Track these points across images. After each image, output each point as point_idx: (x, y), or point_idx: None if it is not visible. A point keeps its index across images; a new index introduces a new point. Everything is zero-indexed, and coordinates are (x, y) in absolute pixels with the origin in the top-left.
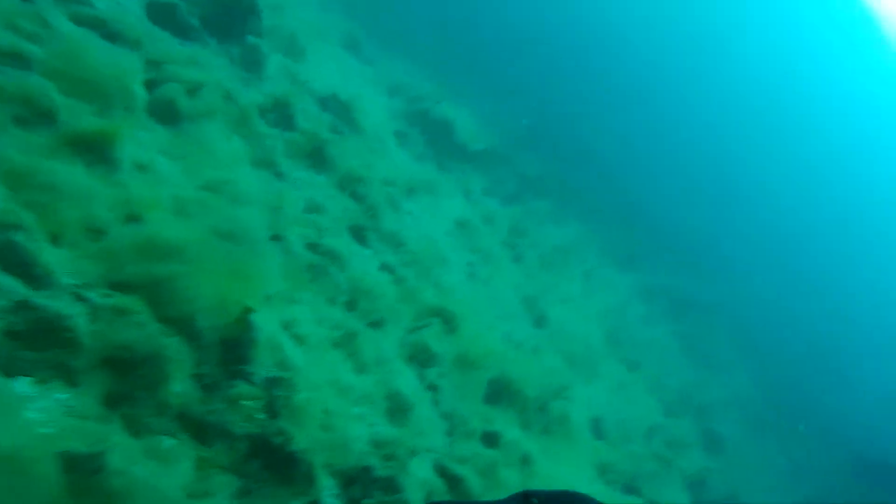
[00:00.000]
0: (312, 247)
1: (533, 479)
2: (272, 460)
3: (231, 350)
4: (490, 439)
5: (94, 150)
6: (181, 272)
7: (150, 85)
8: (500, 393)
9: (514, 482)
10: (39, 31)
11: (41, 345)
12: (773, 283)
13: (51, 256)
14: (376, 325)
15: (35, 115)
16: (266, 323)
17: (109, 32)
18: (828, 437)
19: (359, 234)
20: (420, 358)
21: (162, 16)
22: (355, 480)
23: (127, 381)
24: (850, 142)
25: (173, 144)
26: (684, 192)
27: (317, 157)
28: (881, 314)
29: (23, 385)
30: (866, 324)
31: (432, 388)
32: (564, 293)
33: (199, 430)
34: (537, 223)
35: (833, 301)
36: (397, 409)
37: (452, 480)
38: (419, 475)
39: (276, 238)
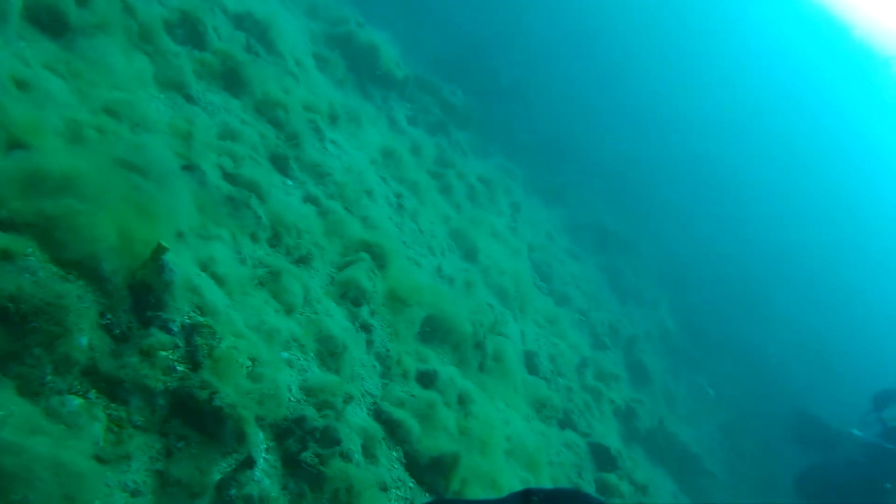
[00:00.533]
0: (229, 178)
1: (471, 420)
2: (197, 416)
3: (142, 295)
4: (426, 379)
5: None
6: (79, 208)
7: None
8: (434, 330)
9: (452, 424)
10: None
11: None
12: (696, 220)
13: None
14: (302, 261)
15: None
16: (181, 263)
17: None
18: (745, 370)
19: (280, 164)
20: (350, 296)
21: None
22: (289, 433)
23: (18, 337)
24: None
25: (62, 60)
26: (607, 128)
27: (231, 79)
28: (796, 252)
29: None
30: (781, 262)
31: (365, 327)
32: (492, 227)
33: (111, 386)
34: (462, 154)
35: (750, 242)
36: (329, 353)
37: (391, 425)
38: (356, 422)
39: (188, 168)
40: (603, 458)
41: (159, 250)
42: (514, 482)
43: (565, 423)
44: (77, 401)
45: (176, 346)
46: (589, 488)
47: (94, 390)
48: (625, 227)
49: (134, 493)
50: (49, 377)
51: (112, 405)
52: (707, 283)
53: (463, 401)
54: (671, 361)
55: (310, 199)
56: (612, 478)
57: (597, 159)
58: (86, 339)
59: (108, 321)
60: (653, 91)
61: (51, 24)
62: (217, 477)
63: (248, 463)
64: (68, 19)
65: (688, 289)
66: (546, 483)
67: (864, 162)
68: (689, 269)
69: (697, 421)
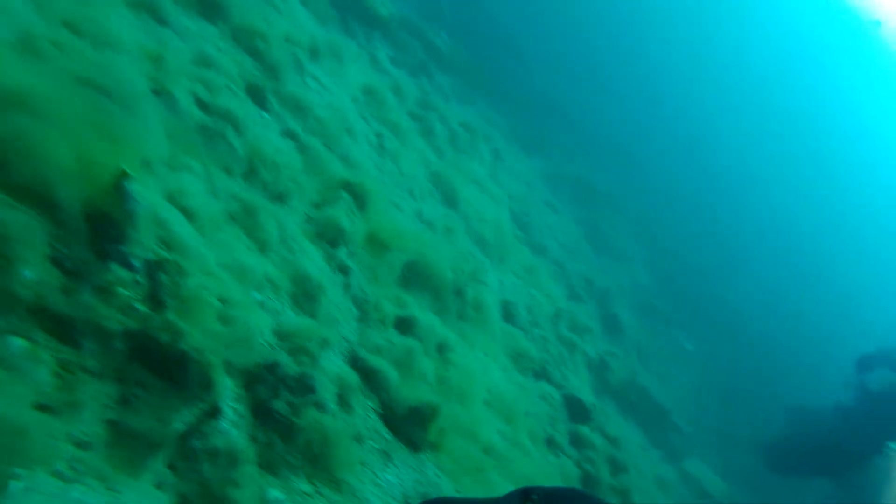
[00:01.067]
0: (203, 106)
1: (451, 369)
2: (158, 361)
3: (101, 226)
4: (405, 325)
5: None
6: (30, 127)
7: None
8: (414, 275)
9: (431, 373)
10: None
11: None
12: (673, 179)
13: None
14: (279, 198)
15: None
16: (147, 193)
17: None
18: (717, 328)
19: (258, 96)
20: (328, 236)
21: None
22: (260, 380)
23: None
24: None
25: None
26: (594, 88)
27: (208, 3)
28: (774, 215)
29: None
30: (759, 224)
31: (342, 269)
32: (473, 173)
33: (60, 327)
34: (444, 99)
35: (728, 202)
36: (304, 295)
37: (367, 373)
38: (332, 370)
39: (157, 93)
40: (577, 410)
41: (123, 177)
42: (492, 434)
43: (541, 374)
44: (19, 342)
45: (137, 283)
46: (563, 440)
47: (40, 331)
48: (603, 182)
49: (83, 446)
50: None
51: (61, 348)
52: (682, 241)
53: (442, 349)
54: (644, 316)
55: (288, 134)
56: (585, 430)
57: (581, 116)
58: (31, 272)
59: (60, 254)
60: (640, 51)
61: None
62: (179, 427)
63: (214, 412)
64: None
65: (663, 245)
66: (522, 434)
67: (845, 121)
68: (665, 227)
69: (668, 376)
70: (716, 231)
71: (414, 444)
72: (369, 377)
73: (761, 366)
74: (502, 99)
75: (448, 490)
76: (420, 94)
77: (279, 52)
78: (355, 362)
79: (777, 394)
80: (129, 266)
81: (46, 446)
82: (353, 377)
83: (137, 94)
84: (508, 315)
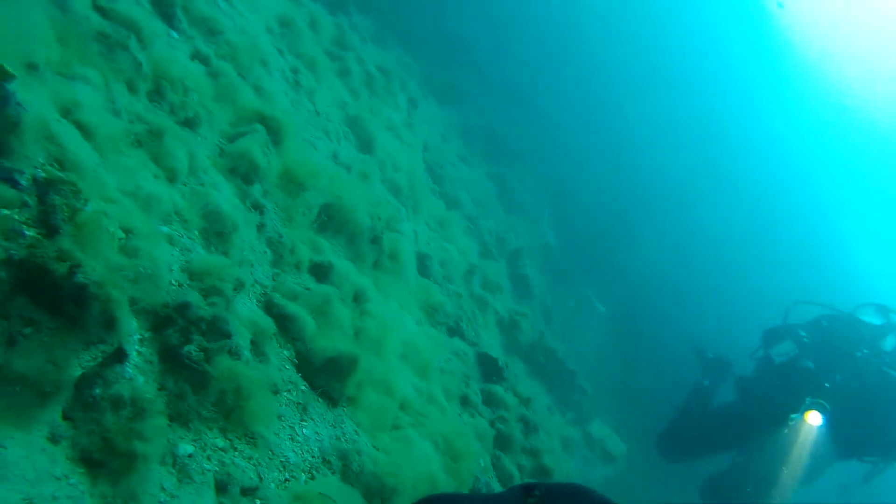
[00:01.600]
0: (101, 11)
1: (367, 319)
2: (51, 295)
3: None
4: (321, 272)
5: None
6: None
7: None
8: (329, 219)
9: (348, 323)
10: None
11: None
12: (579, 139)
13: None
14: (188, 124)
15: None
16: (35, 102)
17: None
18: (620, 290)
19: (165, 12)
20: (241, 171)
21: None
22: (169, 322)
23: None
24: None
25: None
26: (509, 36)
27: None
28: (670, 174)
29: None
30: (657, 184)
31: (257, 207)
32: (389, 120)
33: None
34: (361, 39)
35: (630, 167)
36: (216, 233)
37: (282, 320)
38: (245, 314)
39: None
40: (490, 368)
41: (3, 76)
42: (408, 389)
43: (454, 330)
44: None
45: (25, 205)
46: (476, 399)
47: None
48: (515, 135)
49: None
50: None
51: None
52: (587, 202)
53: (358, 298)
54: (552, 276)
55: (199, 58)
56: (498, 389)
57: (495, 64)
58: None
59: None
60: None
61: None
62: (77, 372)
63: (118, 356)
64: None
65: (573, 206)
66: (437, 390)
67: (743, 94)
68: (577, 187)
69: (573, 337)
70: (626, 195)
71: (331, 399)
72: (285, 324)
73: (665, 334)
74: (418, 43)
75: (366, 447)
76: (337, 32)
77: None
78: (270, 308)
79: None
80: (13, 183)
81: None
82: (268, 323)
83: None
84: (423, 268)
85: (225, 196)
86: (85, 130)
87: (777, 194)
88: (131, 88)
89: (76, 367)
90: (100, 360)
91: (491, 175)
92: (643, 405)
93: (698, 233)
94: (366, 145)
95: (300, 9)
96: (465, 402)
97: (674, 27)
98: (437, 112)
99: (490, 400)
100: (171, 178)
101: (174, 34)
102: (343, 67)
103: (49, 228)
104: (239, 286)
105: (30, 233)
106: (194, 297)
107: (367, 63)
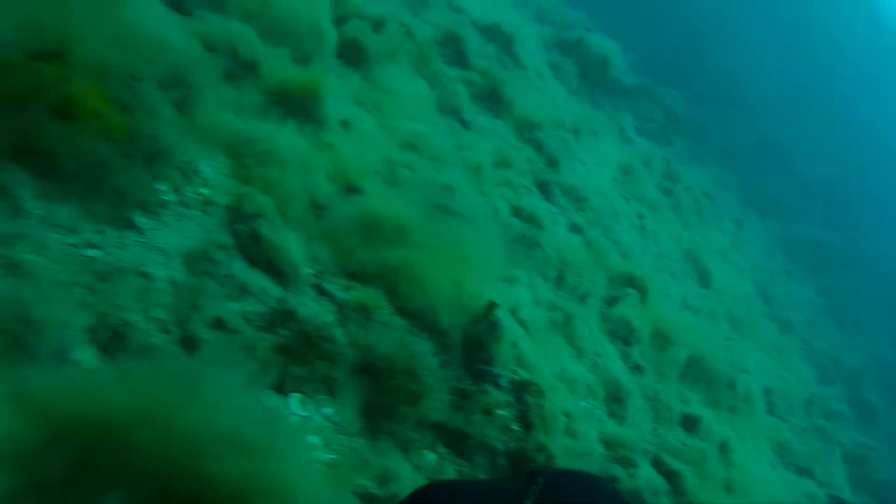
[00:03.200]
0: (516, 212)
1: (733, 471)
2: None
3: (473, 349)
4: (690, 423)
5: (301, 105)
6: (414, 259)
7: (338, 22)
8: (692, 370)
9: (720, 475)
10: None
11: (306, 357)
12: None
13: (290, 243)
14: (582, 300)
15: (240, 66)
16: (504, 316)
17: None
18: None
19: (545, 190)
20: (621, 334)
21: None
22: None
23: (385, 391)
24: None
25: (365, 92)
26: (826, 140)
27: (493, 99)
28: None
29: (295, 403)
30: None
31: (637, 368)
32: (717, 243)
33: (457, 442)
34: (683, 165)
35: None
36: (615, 398)
37: (671, 476)
38: (644, 476)
39: (487, 205)
40: None
41: (491, 306)
42: None
43: (803, 470)
44: (431, 456)
45: (508, 404)
46: None
47: (442, 445)
48: (840, 243)
49: None
50: (410, 432)
51: (459, 461)
52: None
53: (724, 449)
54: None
55: (574, 228)
56: None
57: (811, 168)
58: (438, 395)
59: (451, 376)
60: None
61: (353, 55)
62: None
63: None
64: (366, 48)
65: None
66: None
67: None
68: None
69: None
70: None
71: None
72: (672, 481)
73: None
74: (730, 156)
75: None
76: (664, 163)
77: (553, 139)
78: (658, 465)
79: None
80: (498, 386)
81: None
82: (660, 482)
83: (480, 214)
84: (769, 403)
85: (616, 363)
86: (523, 325)
87: None
88: (544, 278)
89: None
90: None
91: (819, 288)
92: None
93: None
94: (703, 279)
95: (632, 148)
96: None
97: None
98: (757, 225)
99: None
100: (580, 355)
101: (553, 208)
102: (675, 201)
103: (526, 423)
104: (642, 452)
105: (514, 427)
106: (617, 470)
107: (694, 190)
